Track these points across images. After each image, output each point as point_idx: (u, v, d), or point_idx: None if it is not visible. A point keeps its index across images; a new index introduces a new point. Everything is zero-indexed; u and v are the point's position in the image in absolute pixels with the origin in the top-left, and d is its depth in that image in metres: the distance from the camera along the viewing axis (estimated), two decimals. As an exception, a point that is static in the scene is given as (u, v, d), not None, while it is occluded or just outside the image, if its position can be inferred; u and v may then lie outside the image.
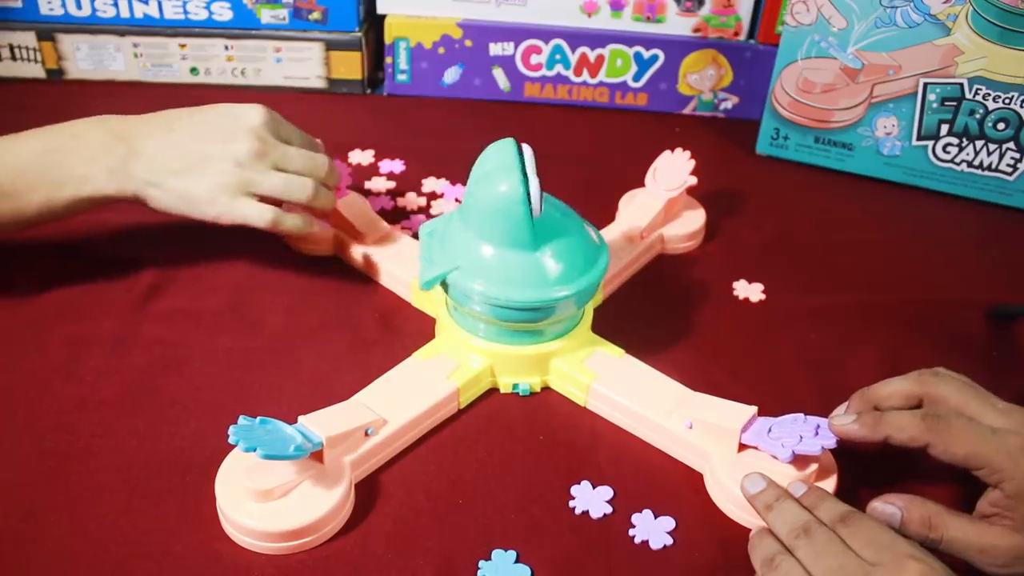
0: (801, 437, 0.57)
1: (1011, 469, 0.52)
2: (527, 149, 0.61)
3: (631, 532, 0.57)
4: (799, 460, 0.57)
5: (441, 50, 1.01)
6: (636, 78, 1.01)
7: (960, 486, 0.58)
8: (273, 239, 0.79)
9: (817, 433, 0.57)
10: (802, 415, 0.59)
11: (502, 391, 0.66)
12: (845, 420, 0.57)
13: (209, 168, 0.66)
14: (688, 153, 0.81)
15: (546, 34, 0.99)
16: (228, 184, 0.66)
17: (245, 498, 0.54)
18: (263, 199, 0.68)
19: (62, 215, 0.67)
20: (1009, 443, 0.53)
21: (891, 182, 0.93)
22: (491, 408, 0.65)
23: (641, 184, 0.81)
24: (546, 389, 0.66)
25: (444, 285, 0.64)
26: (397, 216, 0.84)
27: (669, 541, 0.56)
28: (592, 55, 1.00)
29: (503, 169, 0.59)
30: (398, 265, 0.74)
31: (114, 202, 0.68)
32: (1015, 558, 0.52)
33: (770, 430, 0.58)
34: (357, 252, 0.76)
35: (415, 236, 0.79)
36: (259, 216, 0.68)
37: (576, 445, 0.62)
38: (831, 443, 0.56)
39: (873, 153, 0.92)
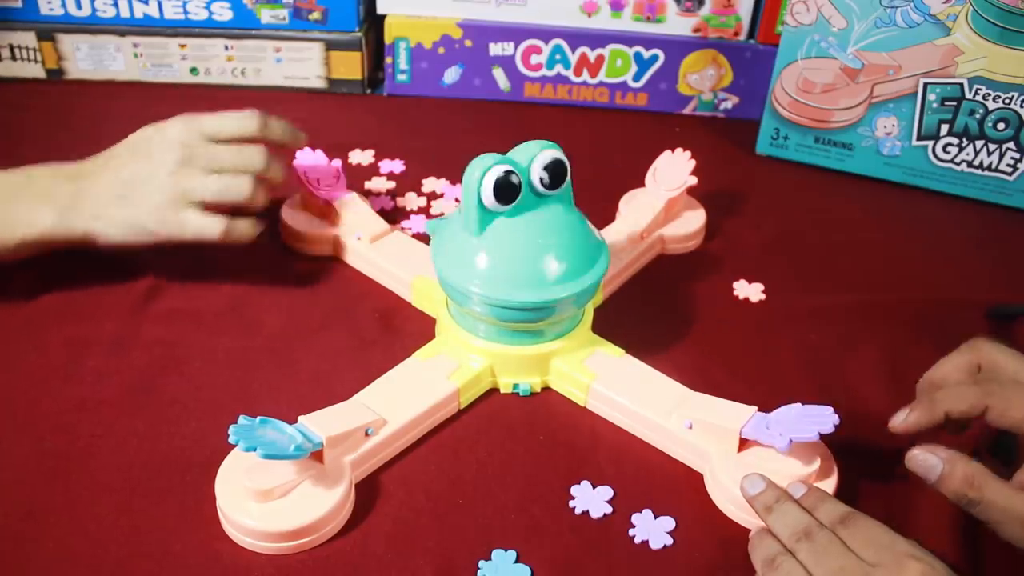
0: (798, 425, 0.56)
1: None
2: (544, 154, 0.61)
3: (631, 532, 0.57)
4: (799, 459, 0.57)
5: (441, 50, 1.01)
6: (636, 78, 1.01)
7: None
8: (273, 239, 0.79)
9: (814, 420, 0.57)
10: (799, 404, 0.58)
11: (502, 391, 0.66)
12: (902, 416, 0.55)
13: (145, 188, 0.67)
14: (688, 153, 0.81)
15: (546, 34, 0.99)
16: (167, 199, 0.66)
17: (245, 498, 0.54)
18: (209, 208, 0.68)
19: (10, 258, 0.67)
20: None
21: (891, 182, 0.93)
22: (491, 408, 0.65)
23: (641, 184, 0.81)
24: (546, 389, 0.66)
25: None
26: (397, 216, 0.84)
27: (669, 541, 0.56)
28: (592, 55, 1.00)
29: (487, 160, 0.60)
30: (398, 265, 0.74)
31: (63, 246, 0.68)
32: None
33: (768, 423, 0.58)
34: (357, 252, 0.76)
35: (415, 236, 0.79)
36: (211, 228, 0.67)
37: (576, 445, 0.62)
38: (828, 429, 0.56)
39: (873, 153, 0.92)
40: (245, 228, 0.69)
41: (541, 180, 0.60)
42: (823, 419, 0.56)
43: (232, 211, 0.69)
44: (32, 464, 0.58)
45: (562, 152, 0.61)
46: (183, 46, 0.99)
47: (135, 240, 0.68)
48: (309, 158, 0.79)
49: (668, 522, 0.57)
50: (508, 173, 0.59)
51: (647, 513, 0.58)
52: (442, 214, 0.84)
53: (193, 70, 1.01)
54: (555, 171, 0.61)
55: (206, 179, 0.67)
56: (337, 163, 0.79)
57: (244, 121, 0.70)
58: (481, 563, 0.54)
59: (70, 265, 0.73)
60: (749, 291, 0.77)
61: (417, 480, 0.59)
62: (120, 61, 1.00)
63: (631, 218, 0.78)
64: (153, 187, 0.66)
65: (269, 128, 0.71)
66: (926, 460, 0.52)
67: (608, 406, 0.64)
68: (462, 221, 0.62)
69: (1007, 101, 0.85)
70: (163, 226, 0.67)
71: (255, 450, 0.51)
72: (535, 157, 0.60)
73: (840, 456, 0.59)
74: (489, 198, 0.59)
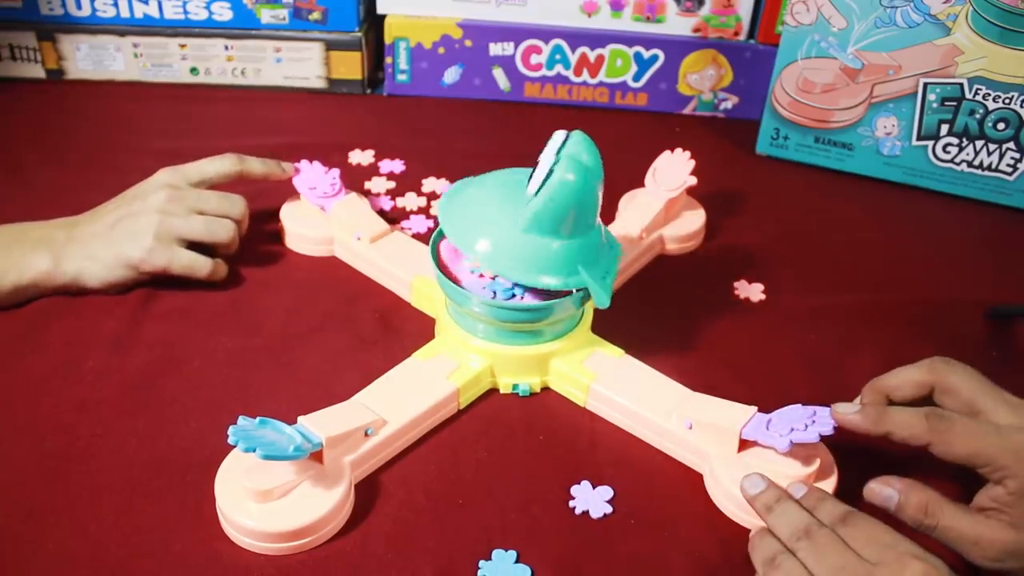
0: (798, 426, 0.56)
1: (1015, 467, 0.52)
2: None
3: (631, 532, 0.57)
4: (799, 459, 0.57)
5: (441, 50, 1.01)
6: (636, 78, 1.01)
7: (960, 485, 0.58)
8: (273, 239, 0.79)
9: (815, 421, 0.57)
10: (799, 405, 0.58)
11: (502, 391, 0.66)
12: (849, 409, 0.57)
13: (134, 227, 0.69)
14: (688, 153, 0.81)
15: (546, 34, 0.99)
16: (156, 232, 0.69)
17: (245, 498, 0.54)
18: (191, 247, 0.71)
19: (4, 302, 0.69)
20: (1014, 440, 0.53)
21: (891, 182, 0.93)
22: (491, 408, 0.65)
23: (641, 184, 0.81)
24: (546, 389, 0.66)
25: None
26: (397, 216, 0.84)
27: (668, 541, 0.56)
28: (592, 55, 1.00)
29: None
30: (398, 265, 0.74)
31: (56, 290, 0.69)
32: (1008, 553, 0.52)
33: (768, 423, 0.58)
34: (357, 252, 0.76)
35: (415, 236, 0.79)
36: (201, 265, 0.71)
37: (576, 445, 0.62)
38: (828, 430, 0.56)
39: (873, 153, 0.92)
40: (223, 269, 0.73)
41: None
42: (823, 420, 0.56)
43: (205, 251, 0.72)
44: (32, 464, 0.58)
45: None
46: (183, 46, 0.99)
47: (124, 278, 0.70)
48: (307, 171, 0.79)
49: (668, 522, 0.57)
50: None
51: (647, 513, 0.58)
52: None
53: (193, 70, 1.01)
54: None
55: (192, 219, 0.71)
56: (336, 172, 0.79)
57: (223, 163, 0.75)
58: (481, 563, 0.54)
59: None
60: (749, 291, 0.77)
61: (417, 480, 0.59)
62: (120, 61, 1.00)
63: (631, 218, 0.78)
64: (142, 225, 0.69)
65: (247, 166, 0.76)
66: (882, 492, 0.55)
67: (608, 406, 0.64)
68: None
69: (1007, 101, 0.85)
70: (151, 261, 0.69)
71: (254, 451, 0.51)
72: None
73: (840, 456, 0.59)
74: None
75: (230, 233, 0.72)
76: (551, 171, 0.59)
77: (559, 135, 0.61)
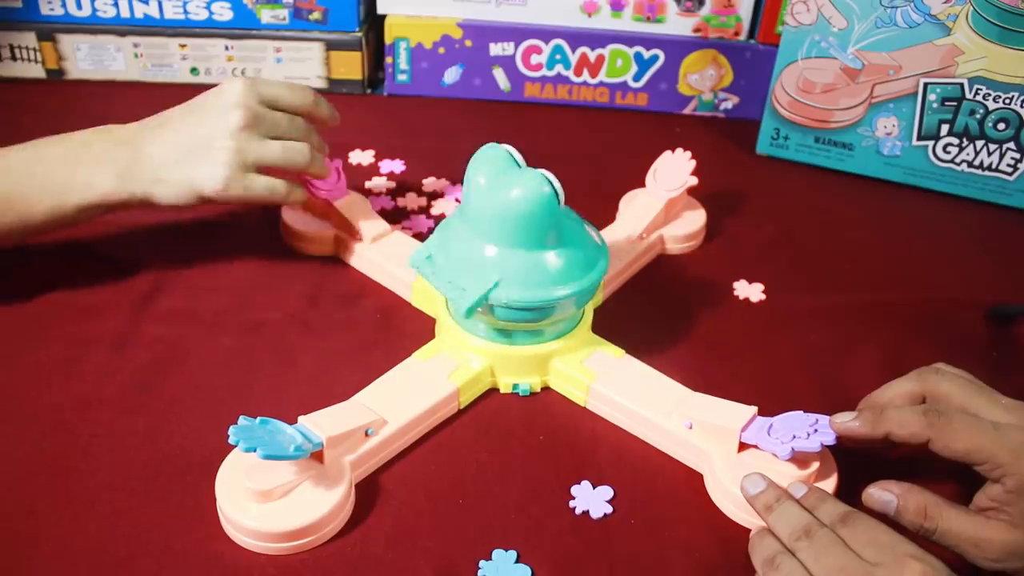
0: (800, 435, 0.57)
1: (1013, 464, 0.52)
2: (513, 149, 0.62)
3: (631, 532, 0.57)
4: (799, 459, 0.57)
5: (441, 50, 1.01)
6: (636, 78, 1.01)
7: (960, 485, 0.58)
8: (273, 239, 0.79)
9: (817, 430, 0.57)
10: (801, 412, 0.59)
11: (502, 391, 0.66)
12: (846, 418, 0.57)
13: (207, 149, 0.67)
14: (688, 153, 0.81)
15: (546, 34, 0.99)
16: (230, 160, 0.67)
17: (245, 498, 0.54)
18: (263, 171, 0.69)
19: (70, 222, 0.67)
20: (1012, 438, 0.53)
21: (891, 182, 0.93)
22: (491, 408, 0.65)
23: (641, 184, 0.81)
24: (546, 389, 0.66)
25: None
26: (397, 216, 0.84)
27: (668, 541, 0.56)
28: (592, 55, 1.00)
29: (521, 172, 0.60)
30: (398, 265, 0.74)
31: (122, 207, 0.68)
32: (1009, 553, 0.52)
33: (770, 429, 0.58)
34: (357, 252, 0.76)
35: (415, 236, 0.79)
36: (279, 189, 0.69)
37: (576, 445, 0.62)
38: (830, 440, 0.56)
39: (873, 153, 0.92)
40: (301, 194, 0.71)
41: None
42: (825, 429, 0.57)
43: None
44: (33, 463, 0.58)
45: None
46: (183, 46, 0.99)
47: (193, 202, 0.68)
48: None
49: (669, 523, 0.57)
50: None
51: (648, 513, 0.58)
52: (442, 215, 0.84)
53: (193, 70, 1.01)
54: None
55: (268, 143, 0.68)
56: (337, 163, 0.79)
57: (300, 93, 0.72)
58: (481, 563, 0.54)
59: (70, 265, 0.73)
60: (749, 291, 0.77)
61: (417, 480, 0.59)
62: (120, 61, 1.00)
63: (631, 218, 0.78)
64: (215, 149, 0.66)
65: (319, 106, 0.74)
66: (881, 496, 0.55)
67: (608, 406, 0.64)
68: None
69: (1007, 101, 0.85)
70: (224, 184, 0.67)
71: (255, 450, 0.51)
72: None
73: (840, 456, 0.59)
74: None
75: (307, 155, 0.70)
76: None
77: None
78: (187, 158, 0.67)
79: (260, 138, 0.68)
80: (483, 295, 0.60)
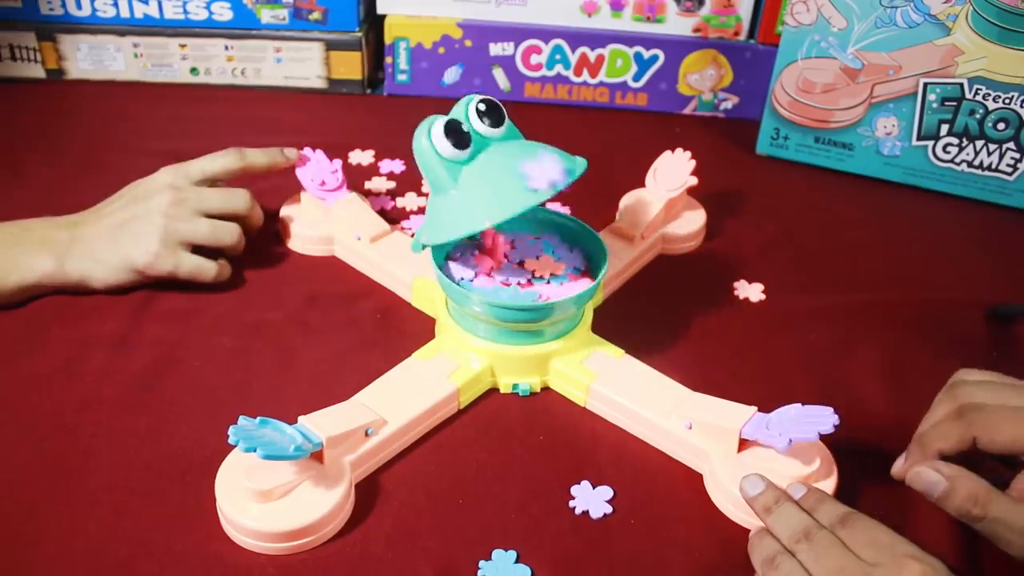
0: (798, 426, 0.56)
1: None
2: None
3: (631, 532, 0.57)
4: (798, 459, 0.57)
5: (441, 50, 1.01)
6: (636, 78, 1.01)
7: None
8: (273, 239, 0.79)
9: (814, 421, 0.57)
10: (799, 404, 0.58)
11: (502, 391, 0.66)
12: (899, 464, 0.56)
13: (139, 230, 0.69)
14: (688, 153, 0.81)
15: (546, 34, 0.99)
16: (161, 237, 0.69)
17: (245, 498, 0.54)
18: (195, 249, 0.71)
19: (6, 301, 0.69)
20: None
21: (891, 182, 0.93)
22: (491, 408, 0.65)
23: (641, 184, 0.81)
24: (546, 389, 0.66)
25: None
26: (397, 216, 0.84)
27: (668, 541, 0.56)
28: (592, 55, 1.00)
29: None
30: (398, 265, 0.74)
31: (57, 289, 0.69)
32: None
33: (768, 423, 0.58)
34: (357, 252, 0.76)
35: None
36: (207, 269, 0.71)
37: (576, 445, 0.62)
38: (827, 429, 0.56)
39: (873, 153, 0.92)
40: (227, 270, 0.73)
41: (481, 120, 0.63)
42: (823, 419, 0.56)
43: (211, 251, 0.72)
44: (33, 464, 0.58)
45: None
46: (183, 46, 0.99)
47: (128, 280, 0.70)
48: (310, 160, 0.79)
49: (668, 522, 0.57)
50: (451, 120, 0.61)
51: (647, 513, 0.58)
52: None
53: (193, 70, 1.01)
54: (490, 108, 0.63)
55: (197, 222, 0.71)
56: (337, 163, 0.79)
57: (225, 159, 0.75)
58: (481, 563, 0.54)
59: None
60: (749, 291, 0.77)
61: (417, 480, 0.59)
62: (120, 61, 1.00)
63: (631, 218, 0.78)
64: (147, 229, 0.69)
65: (250, 160, 0.76)
66: (929, 477, 0.53)
67: (608, 406, 0.64)
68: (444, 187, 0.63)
69: (1007, 101, 0.85)
70: (157, 266, 0.69)
71: (255, 451, 0.51)
72: (468, 104, 0.63)
73: (840, 456, 0.59)
74: (443, 144, 0.61)
75: (235, 236, 0.72)
76: None
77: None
78: (120, 238, 0.69)
79: (189, 217, 0.71)
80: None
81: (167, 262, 0.69)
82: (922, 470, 0.53)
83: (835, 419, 0.56)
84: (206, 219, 0.71)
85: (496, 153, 0.62)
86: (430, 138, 0.61)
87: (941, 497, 0.52)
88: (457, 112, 0.63)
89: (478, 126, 0.62)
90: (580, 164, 0.62)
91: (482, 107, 0.63)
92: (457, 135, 0.61)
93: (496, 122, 0.63)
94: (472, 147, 0.62)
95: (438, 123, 0.61)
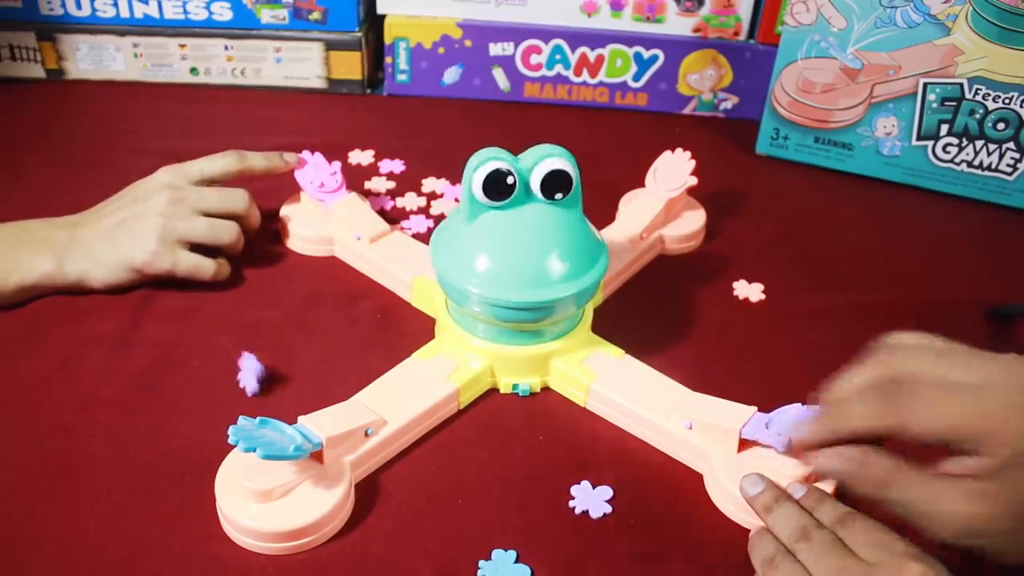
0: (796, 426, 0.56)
1: (1001, 432, 0.45)
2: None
3: (631, 532, 0.57)
4: (798, 459, 0.57)
5: (441, 50, 1.01)
6: (636, 78, 1.01)
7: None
8: (273, 239, 0.79)
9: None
10: (799, 404, 0.58)
11: (502, 391, 0.66)
12: (801, 432, 0.52)
13: (137, 229, 0.69)
14: (688, 153, 0.81)
15: (546, 34, 0.99)
16: (159, 236, 0.69)
17: (245, 498, 0.54)
18: (194, 248, 0.71)
19: (7, 303, 0.69)
20: (997, 399, 0.45)
21: (891, 182, 0.93)
22: (491, 408, 0.65)
23: (641, 184, 0.81)
24: (546, 389, 0.66)
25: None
26: (397, 216, 0.84)
27: (668, 541, 0.56)
28: (592, 55, 1.00)
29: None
30: (398, 265, 0.74)
31: (57, 289, 0.69)
32: (967, 529, 0.46)
33: (767, 423, 0.58)
34: (357, 252, 0.76)
35: (415, 236, 0.79)
36: (205, 267, 0.71)
37: (576, 445, 0.62)
38: None
39: (873, 153, 0.92)
40: (226, 269, 0.73)
41: (541, 188, 0.60)
42: None
43: (210, 250, 0.72)
44: (33, 464, 0.58)
45: (569, 161, 0.61)
46: (183, 46, 0.99)
47: (127, 279, 0.70)
48: (308, 163, 0.79)
49: (668, 522, 0.57)
50: (500, 171, 0.59)
51: (647, 513, 0.58)
52: (442, 215, 0.84)
53: (193, 70, 1.01)
54: (554, 181, 0.60)
55: (195, 221, 0.71)
56: (336, 166, 0.79)
57: (225, 161, 0.75)
58: (481, 563, 0.54)
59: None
60: (749, 291, 0.77)
61: (417, 480, 0.59)
62: (120, 61, 1.00)
63: (631, 218, 0.78)
64: (145, 227, 0.69)
65: (249, 162, 0.76)
66: (831, 464, 0.50)
67: (608, 406, 0.64)
68: (461, 215, 0.62)
69: (1007, 101, 0.85)
70: (155, 264, 0.69)
71: (255, 451, 0.51)
72: (536, 164, 0.60)
73: (840, 456, 0.59)
74: (479, 191, 0.60)
75: (233, 235, 0.73)
76: None
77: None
78: (119, 237, 0.69)
79: (187, 216, 0.71)
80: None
81: (165, 260, 0.69)
82: (824, 460, 0.50)
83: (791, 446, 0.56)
84: (204, 218, 0.72)
85: (522, 230, 0.61)
86: (472, 175, 0.60)
87: (852, 481, 0.49)
88: (527, 159, 0.60)
89: (533, 185, 0.61)
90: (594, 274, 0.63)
91: (546, 181, 0.60)
92: (497, 189, 0.60)
93: (552, 194, 0.61)
94: (512, 198, 0.60)
95: (484, 168, 0.59)
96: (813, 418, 0.52)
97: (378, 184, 0.88)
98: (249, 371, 0.64)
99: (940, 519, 0.47)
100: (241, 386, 0.64)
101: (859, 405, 0.50)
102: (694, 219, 0.82)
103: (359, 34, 1.00)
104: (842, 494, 0.56)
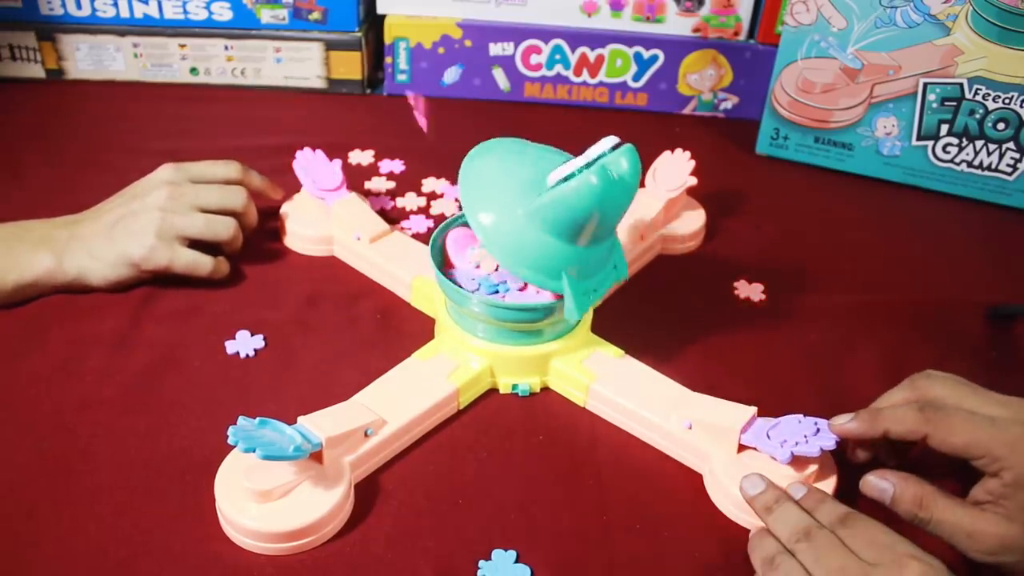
0: (800, 439, 0.57)
1: (1010, 458, 0.52)
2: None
3: (631, 532, 0.57)
4: (798, 461, 0.57)
5: (441, 50, 1.01)
6: (636, 78, 1.01)
7: (960, 484, 0.58)
8: (273, 239, 0.79)
9: (816, 434, 0.57)
10: (801, 416, 0.59)
11: (502, 391, 0.66)
12: (844, 419, 0.57)
13: (135, 225, 0.69)
14: (688, 153, 0.81)
15: (546, 34, 0.99)
16: (157, 231, 0.69)
17: (245, 499, 0.54)
18: (192, 244, 0.71)
19: (6, 301, 0.69)
20: (1009, 432, 0.53)
21: (891, 182, 0.93)
22: (491, 408, 0.65)
23: (641, 184, 0.81)
24: (546, 389, 0.66)
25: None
26: (397, 216, 0.84)
27: (669, 542, 0.56)
28: (592, 55, 1.00)
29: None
30: (398, 265, 0.74)
31: (56, 288, 0.70)
32: (1002, 546, 0.52)
33: (769, 432, 0.58)
34: (357, 252, 0.76)
35: (415, 236, 0.79)
36: (203, 263, 0.71)
37: (576, 445, 0.62)
38: (830, 444, 0.56)
39: (873, 153, 0.92)
40: (225, 267, 0.73)
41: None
42: (826, 434, 0.57)
43: (209, 248, 0.72)
44: (33, 464, 0.58)
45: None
46: (183, 46, 0.99)
47: (126, 276, 0.70)
48: (309, 159, 0.79)
49: (667, 522, 0.57)
50: None
51: (646, 513, 0.58)
52: (442, 215, 0.84)
53: (193, 70, 1.01)
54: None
55: (193, 216, 0.71)
56: (337, 163, 0.79)
57: (227, 168, 0.75)
58: (481, 563, 0.54)
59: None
60: (749, 291, 0.77)
61: (417, 480, 0.59)
62: (120, 61, 1.00)
63: (631, 218, 0.78)
64: (143, 223, 0.69)
65: (249, 177, 0.77)
66: (877, 484, 0.55)
67: (608, 406, 0.64)
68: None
69: (1007, 101, 0.85)
70: (153, 259, 0.69)
71: (254, 451, 0.51)
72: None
73: (839, 457, 0.59)
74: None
75: (231, 231, 0.72)
76: (577, 172, 0.58)
77: (610, 140, 0.59)
78: (117, 233, 0.69)
79: (185, 211, 0.71)
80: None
81: (163, 255, 0.69)
82: (871, 479, 0.55)
83: (833, 433, 0.57)
84: (202, 214, 0.71)
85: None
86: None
87: (891, 503, 0.55)
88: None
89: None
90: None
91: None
92: None
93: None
94: None
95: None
96: (854, 415, 0.58)
97: (378, 184, 0.88)
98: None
99: (979, 537, 0.52)
100: None
101: (896, 412, 0.56)
102: (694, 219, 0.82)
103: (359, 34, 1.00)
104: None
